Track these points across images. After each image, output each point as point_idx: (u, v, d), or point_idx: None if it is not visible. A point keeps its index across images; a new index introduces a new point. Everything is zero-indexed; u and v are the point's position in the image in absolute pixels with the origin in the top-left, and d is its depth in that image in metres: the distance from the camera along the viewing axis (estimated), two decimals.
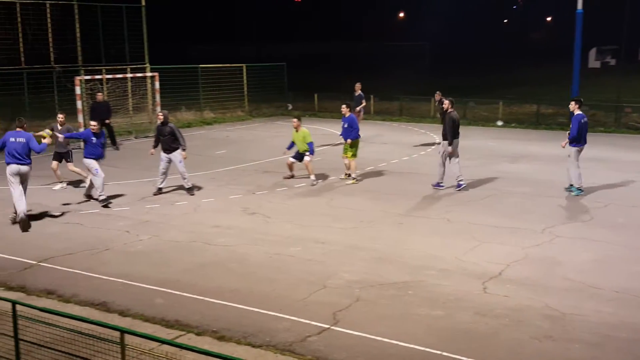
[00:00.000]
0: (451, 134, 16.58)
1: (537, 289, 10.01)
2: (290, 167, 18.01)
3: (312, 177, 17.53)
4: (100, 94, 24.16)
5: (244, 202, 15.61)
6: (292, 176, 18.04)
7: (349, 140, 17.60)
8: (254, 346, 8.30)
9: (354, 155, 17.78)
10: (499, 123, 29.48)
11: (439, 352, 8.09)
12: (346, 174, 18.00)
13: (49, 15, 26.14)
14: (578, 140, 15.86)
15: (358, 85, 25.01)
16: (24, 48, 25.58)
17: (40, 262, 11.47)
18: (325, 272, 10.82)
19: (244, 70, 34.03)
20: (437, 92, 24.80)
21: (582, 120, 15.87)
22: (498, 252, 11.78)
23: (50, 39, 26.26)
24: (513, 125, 29.22)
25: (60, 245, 12.34)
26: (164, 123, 16.39)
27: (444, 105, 17.35)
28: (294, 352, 8.14)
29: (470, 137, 25.96)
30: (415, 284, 10.32)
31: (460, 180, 16.74)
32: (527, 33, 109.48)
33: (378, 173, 19.03)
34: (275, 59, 37.60)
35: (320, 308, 9.41)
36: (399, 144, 24.32)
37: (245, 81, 34.11)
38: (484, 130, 28.37)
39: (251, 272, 10.93)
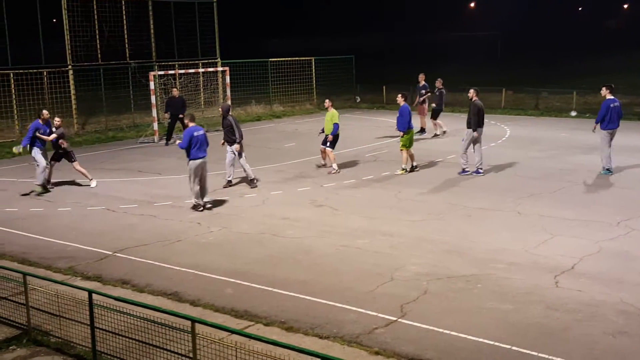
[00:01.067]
0: (475, 122, 17.14)
1: (612, 284, 9.74)
2: (322, 154, 18.40)
3: (334, 165, 17.66)
4: (175, 89, 24.67)
5: (312, 194, 15.71)
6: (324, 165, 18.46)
7: (401, 132, 17.61)
8: (321, 337, 8.36)
9: (404, 145, 17.58)
10: (573, 113, 28.68)
11: (508, 346, 7.98)
12: (411, 166, 17.90)
13: (124, 12, 26.90)
14: (606, 123, 16.84)
15: (422, 76, 24.73)
16: (101, 45, 26.40)
17: (115, 252, 11.85)
18: (393, 265, 10.80)
19: (313, 63, 34.16)
20: (439, 79, 24.29)
21: (612, 105, 16.80)
22: (571, 245, 11.51)
23: (126, 36, 27.03)
24: (587, 115, 28.32)
25: (135, 237, 12.71)
26: (224, 116, 16.65)
27: (469, 94, 17.71)
28: (361, 344, 8.16)
29: (543, 128, 25.47)
30: (485, 277, 10.19)
31: (480, 168, 17.37)
32: (603, 21, 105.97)
33: (447, 165, 18.82)
34: (345, 52, 37.58)
35: (388, 300, 9.41)
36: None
37: (314, 74, 34.24)
38: (557, 120, 27.69)
39: (319, 264, 11.01)
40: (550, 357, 7.69)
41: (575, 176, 16.81)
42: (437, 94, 24.08)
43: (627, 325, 8.43)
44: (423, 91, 24.62)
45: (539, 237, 12.00)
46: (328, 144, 17.87)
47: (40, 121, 16.60)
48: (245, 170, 16.63)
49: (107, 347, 7.85)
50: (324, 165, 18.36)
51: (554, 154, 19.98)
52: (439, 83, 24.15)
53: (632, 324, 8.44)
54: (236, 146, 16.38)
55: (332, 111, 17.99)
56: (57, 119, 17.18)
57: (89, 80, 26.93)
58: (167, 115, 23.49)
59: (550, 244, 11.60)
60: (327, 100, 18.45)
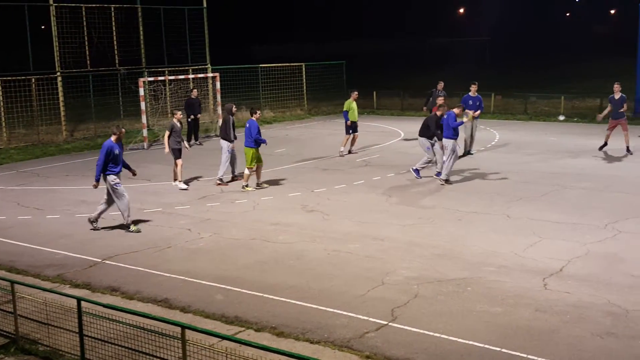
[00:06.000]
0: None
1: (599, 286, 9.81)
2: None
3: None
4: (195, 90, 24.94)
5: (302, 199, 15.73)
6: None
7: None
8: (312, 342, 8.38)
9: (252, 162, 16.72)
10: (561, 118, 28.81)
11: (498, 348, 8.02)
12: (257, 183, 17.13)
13: (113, 19, 26.88)
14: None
15: (440, 84, 24.38)
16: (90, 51, 26.37)
17: (105, 260, 11.81)
18: (384, 269, 10.83)
19: (303, 69, 34.20)
20: (440, 82, 24.26)
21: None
22: (559, 248, 11.57)
23: (115, 42, 27.01)
24: (575, 119, 28.55)
25: (125, 244, 12.67)
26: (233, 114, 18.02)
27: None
28: (351, 349, 8.18)
29: (531, 132, 25.58)
30: (474, 280, 10.23)
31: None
32: (591, 26, 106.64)
33: (435, 170, 18.84)
34: (332, 58, 37.63)
35: (379, 304, 9.43)
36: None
37: (304, 80, 34.28)
38: (545, 125, 27.82)
39: (310, 268, 11.03)
40: (538, 359, 7.73)
41: (564, 179, 16.90)
42: (442, 96, 24.06)
43: (615, 326, 8.49)
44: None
45: (528, 240, 12.06)
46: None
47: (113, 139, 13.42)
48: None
49: (96, 355, 7.84)
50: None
51: (542, 158, 20.08)
52: (440, 86, 24.17)
53: (620, 325, 8.50)
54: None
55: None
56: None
57: (77, 87, 26.88)
58: (191, 117, 23.94)
59: (538, 247, 11.66)
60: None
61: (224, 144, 17.57)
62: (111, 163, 13.23)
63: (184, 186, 17.04)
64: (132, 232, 13.38)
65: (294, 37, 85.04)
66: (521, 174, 17.73)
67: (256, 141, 16.67)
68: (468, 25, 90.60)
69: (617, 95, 20.44)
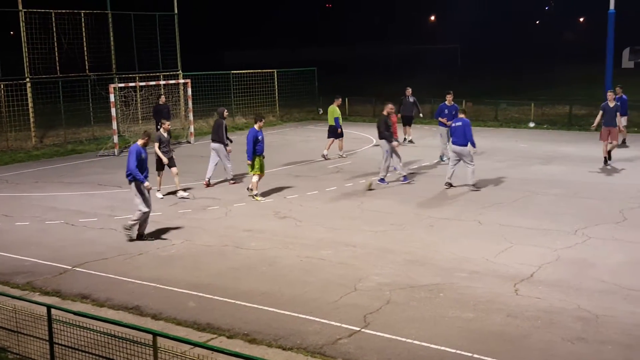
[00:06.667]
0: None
1: (570, 291, 9.93)
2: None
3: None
4: (163, 96, 24.71)
5: (275, 206, 15.70)
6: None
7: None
8: (284, 349, 8.36)
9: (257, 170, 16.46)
10: (531, 124, 29.15)
11: (469, 354, 8.07)
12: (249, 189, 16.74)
13: (83, 25, 26.62)
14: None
15: (409, 90, 25.06)
16: (59, 57, 26.07)
17: (75, 267, 11.68)
18: (356, 275, 10.85)
19: (275, 75, 34.19)
20: (408, 88, 25.20)
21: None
22: (530, 253, 11.69)
23: (85, 48, 26.75)
24: (545, 126, 28.90)
25: (95, 251, 12.54)
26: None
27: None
28: (324, 355, 8.18)
29: (502, 139, 25.82)
30: (446, 286, 10.29)
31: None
32: (560, 34, 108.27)
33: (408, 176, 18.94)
34: (303, 64, 37.69)
35: (351, 310, 9.44)
36: (430, 147, 24.19)
37: (276, 86, 34.27)
38: (515, 131, 28.11)
39: (282, 275, 11.00)
40: None
41: (534, 186, 17.08)
42: (412, 101, 24.91)
43: (585, 331, 8.59)
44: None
45: (499, 246, 12.16)
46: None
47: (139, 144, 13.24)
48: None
49: None
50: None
51: (513, 164, 20.28)
52: (408, 92, 24.73)
53: (590, 330, 8.61)
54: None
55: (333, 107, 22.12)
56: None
57: (47, 93, 26.53)
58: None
59: (510, 253, 11.77)
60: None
61: (216, 146, 18.18)
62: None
63: (160, 195, 16.87)
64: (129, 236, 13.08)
65: (266, 44, 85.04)
66: (492, 181, 17.88)
67: (254, 150, 16.40)
68: (438, 32, 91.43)
69: (611, 104, 19.95)
